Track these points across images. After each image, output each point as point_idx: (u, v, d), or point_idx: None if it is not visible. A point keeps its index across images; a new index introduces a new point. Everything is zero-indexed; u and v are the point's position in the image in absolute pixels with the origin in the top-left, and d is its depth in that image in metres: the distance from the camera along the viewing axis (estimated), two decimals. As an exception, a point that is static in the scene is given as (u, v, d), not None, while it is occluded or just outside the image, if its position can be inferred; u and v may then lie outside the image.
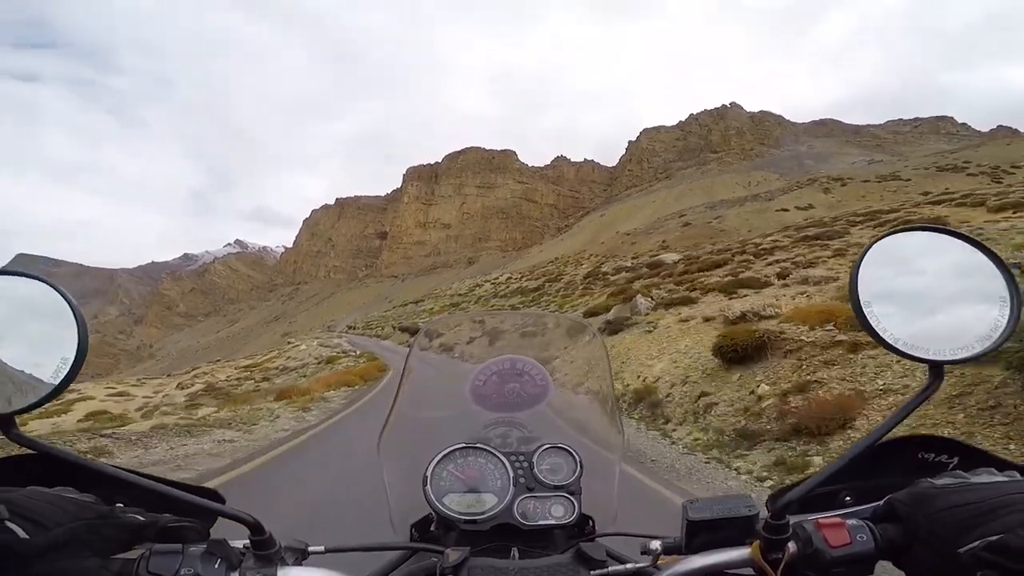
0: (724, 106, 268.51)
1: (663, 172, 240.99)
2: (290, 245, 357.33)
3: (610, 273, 44.36)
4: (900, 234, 0.55)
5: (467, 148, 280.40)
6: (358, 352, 36.15)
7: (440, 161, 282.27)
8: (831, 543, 0.50)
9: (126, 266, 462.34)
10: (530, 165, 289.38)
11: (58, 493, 0.49)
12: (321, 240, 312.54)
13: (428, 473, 0.76)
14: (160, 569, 0.48)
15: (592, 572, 0.57)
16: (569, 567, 0.58)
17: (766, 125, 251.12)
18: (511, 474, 0.76)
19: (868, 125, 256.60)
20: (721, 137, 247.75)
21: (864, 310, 0.52)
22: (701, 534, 0.56)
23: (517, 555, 0.68)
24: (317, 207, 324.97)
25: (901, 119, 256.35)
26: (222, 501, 0.57)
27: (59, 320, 0.50)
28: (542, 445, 0.81)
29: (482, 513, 0.73)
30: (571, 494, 0.76)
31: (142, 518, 0.52)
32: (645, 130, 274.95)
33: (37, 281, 0.51)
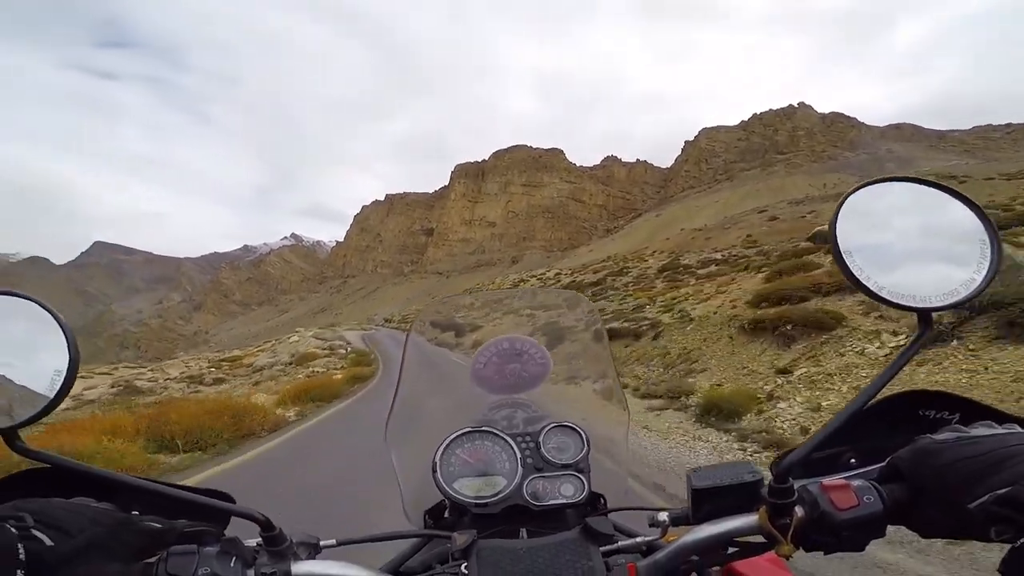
0: (791, 106, 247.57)
1: (723, 173, 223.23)
2: (342, 240, 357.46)
3: (694, 266, 34.15)
4: (876, 185, 0.54)
5: (514, 146, 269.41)
6: (349, 349, 25.99)
7: (487, 159, 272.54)
8: (838, 505, 0.48)
9: (191, 255, 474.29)
10: (579, 165, 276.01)
11: (75, 502, 0.49)
12: (370, 235, 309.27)
13: (436, 459, 0.74)
14: (178, 570, 0.48)
15: (601, 548, 0.56)
16: (577, 543, 0.57)
17: (839, 127, 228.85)
18: (519, 455, 0.75)
19: (952, 131, 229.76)
20: (789, 138, 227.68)
21: (845, 259, 0.50)
22: (707, 503, 0.55)
23: (526, 535, 0.67)
24: (368, 203, 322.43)
25: (991, 124, 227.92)
26: (232, 501, 0.57)
27: (48, 334, 0.51)
28: (548, 424, 0.79)
29: (492, 496, 0.71)
30: (580, 472, 0.75)
31: (159, 524, 0.52)
32: (704, 129, 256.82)
33: (22, 299, 0.51)
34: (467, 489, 0.72)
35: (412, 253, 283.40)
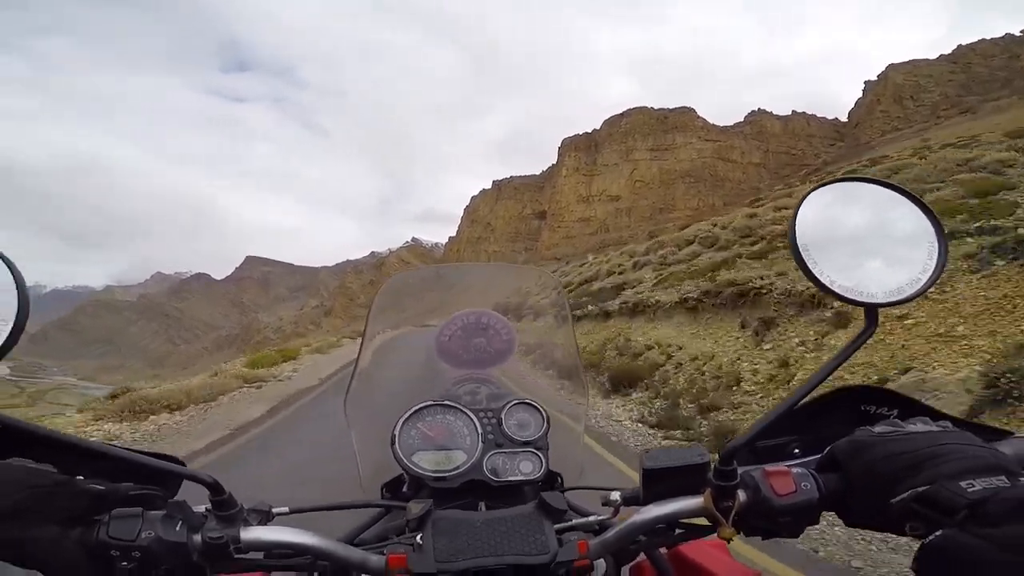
0: (1009, 34, 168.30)
1: (950, 107, 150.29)
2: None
3: None
4: (836, 184, 0.55)
5: (631, 110, 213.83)
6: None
7: (599, 128, 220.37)
8: (777, 491, 0.49)
9: (327, 264, 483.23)
10: (715, 124, 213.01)
11: (9, 463, 0.45)
12: (480, 226, 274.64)
13: (396, 432, 0.72)
14: (120, 533, 0.45)
15: (555, 524, 0.55)
16: (532, 517, 0.56)
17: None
18: (480, 431, 0.72)
19: None
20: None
21: (802, 254, 0.51)
22: (657, 484, 0.53)
23: (484, 509, 0.65)
24: (476, 194, 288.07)
25: None
26: (183, 466, 0.53)
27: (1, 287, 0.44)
28: (510, 401, 0.77)
29: (452, 470, 0.69)
30: (539, 450, 0.73)
31: (102, 487, 0.48)
32: (893, 66, 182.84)
33: None
34: (426, 463, 0.70)
35: (525, 240, 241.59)
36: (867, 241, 0.54)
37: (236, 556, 0.48)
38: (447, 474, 0.68)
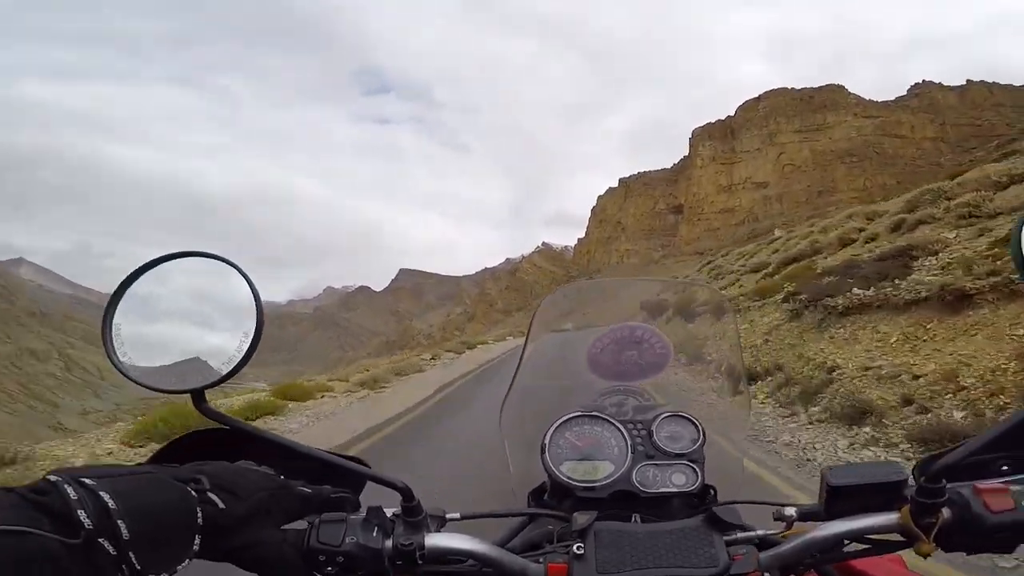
0: None
1: None
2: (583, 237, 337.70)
3: None
4: None
5: (768, 92, 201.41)
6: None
7: (733, 114, 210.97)
8: (992, 508, 0.46)
9: (468, 273, 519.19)
10: (873, 100, 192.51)
11: (240, 466, 0.49)
12: (610, 225, 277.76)
13: (546, 441, 0.72)
14: (328, 538, 0.47)
15: (725, 536, 0.53)
16: (700, 530, 0.53)
17: None
18: (629, 442, 0.72)
19: None
20: None
21: None
22: (843, 500, 0.52)
23: (639, 520, 0.64)
24: (602, 193, 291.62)
25: None
26: (368, 468, 0.55)
27: (238, 296, 0.48)
28: (661, 413, 0.76)
29: (601, 480, 0.69)
30: (693, 462, 0.71)
31: (308, 490, 0.51)
32: None
33: (215, 260, 0.48)
34: (573, 472, 0.70)
35: (661, 236, 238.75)
36: None
37: (420, 563, 0.49)
38: (595, 484, 0.68)
